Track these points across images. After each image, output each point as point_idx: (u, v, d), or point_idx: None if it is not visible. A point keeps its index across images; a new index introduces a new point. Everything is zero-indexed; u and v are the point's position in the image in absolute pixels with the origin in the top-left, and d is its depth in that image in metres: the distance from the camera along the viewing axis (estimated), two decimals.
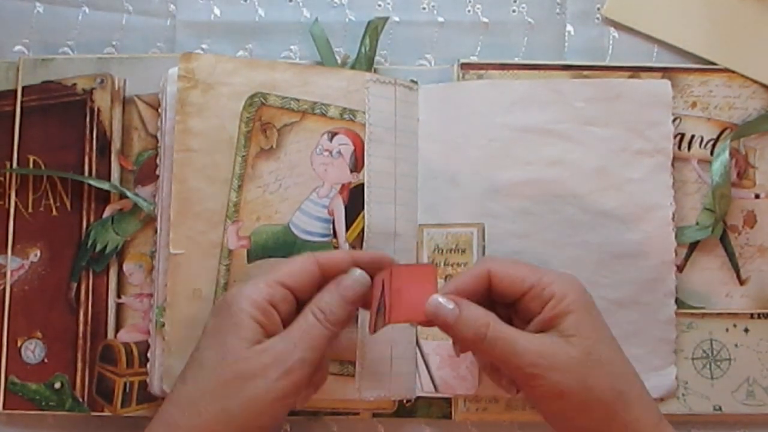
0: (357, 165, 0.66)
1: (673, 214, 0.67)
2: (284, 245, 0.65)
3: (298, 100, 0.66)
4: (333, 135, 0.66)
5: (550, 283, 0.57)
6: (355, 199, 0.66)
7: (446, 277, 0.67)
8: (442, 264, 0.67)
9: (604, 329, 0.57)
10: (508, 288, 0.58)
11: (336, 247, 0.66)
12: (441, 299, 0.56)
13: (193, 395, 0.54)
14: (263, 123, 0.65)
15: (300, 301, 0.57)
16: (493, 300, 0.59)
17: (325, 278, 0.58)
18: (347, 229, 0.66)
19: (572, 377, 0.54)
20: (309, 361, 0.55)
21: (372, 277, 0.59)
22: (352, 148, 0.66)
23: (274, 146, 0.66)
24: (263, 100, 0.65)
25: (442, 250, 0.68)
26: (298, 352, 0.54)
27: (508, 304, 0.59)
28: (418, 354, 0.67)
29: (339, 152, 0.66)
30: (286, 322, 0.56)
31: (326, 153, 0.66)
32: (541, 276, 0.57)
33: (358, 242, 0.65)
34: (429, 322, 0.57)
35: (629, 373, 0.57)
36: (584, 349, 0.55)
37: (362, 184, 0.66)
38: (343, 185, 0.66)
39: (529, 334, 0.56)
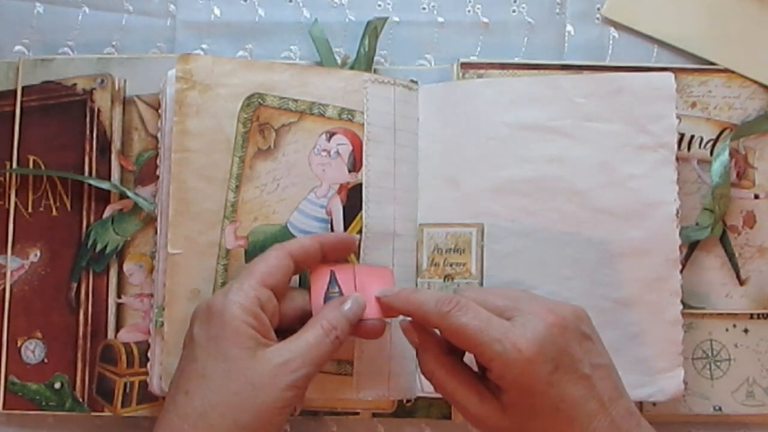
0: (355, 165, 0.66)
1: (677, 210, 0.66)
2: None
3: (296, 100, 0.66)
4: (331, 135, 0.66)
5: (491, 358, 0.55)
6: (353, 199, 0.66)
7: (446, 278, 0.67)
8: (441, 264, 0.67)
9: (547, 400, 0.55)
10: (456, 336, 0.57)
11: None
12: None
13: (202, 408, 0.54)
14: (261, 123, 0.65)
15: (278, 298, 0.58)
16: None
17: (297, 269, 0.59)
18: (345, 229, 0.66)
19: None
20: (313, 374, 0.55)
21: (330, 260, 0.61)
22: (350, 148, 0.66)
23: (272, 146, 0.66)
24: (261, 101, 0.65)
25: (442, 250, 0.67)
26: (306, 365, 0.55)
27: None
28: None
29: (337, 152, 0.66)
30: (272, 323, 0.57)
31: (324, 153, 0.66)
32: (489, 339, 0.55)
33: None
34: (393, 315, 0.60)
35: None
36: (516, 423, 0.55)
37: (360, 184, 0.66)
38: (341, 185, 0.66)
39: (473, 397, 0.57)
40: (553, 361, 0.54)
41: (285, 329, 0.58)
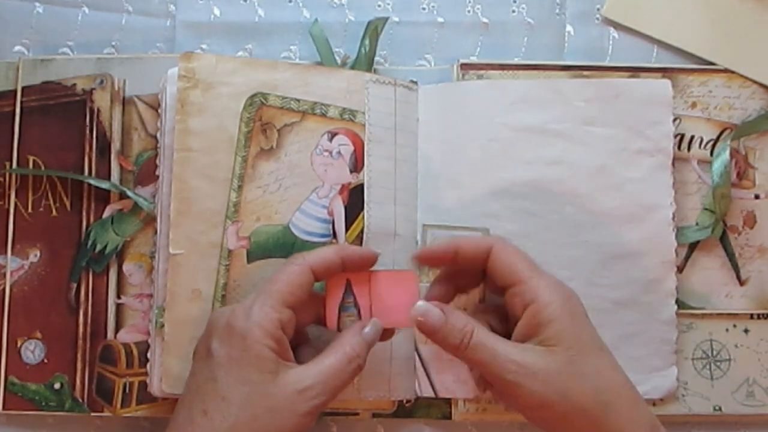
0: (357, 165, 0.66)
1: (674, 214, 0.67)
2: (284, 245, 0.65)
3: (298, 100, 0.66)
4: (333, 135, 0.66)
5: (536, 287, 0.57)
6: (354, 200, 0.66)
7: None
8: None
9: (591, 339, 0.57)
10: (499, 272, 0.58)
11: None
12: (428, 305, 0.57)
13: (221, 430, 0.54)
14: (263, 123, 0.65)
15: (295, 311, 0.57)
16: (486, 280, 0.61)
17: (316, 281, 0.59)
18: (347, 229, 0.66)
19: (552, 388, 0.55)
20: (330, 401, 0.56)
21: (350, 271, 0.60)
22: (352, 148, 0.66)
23: (274, 146, 0.66)
24: (263, 100, 0.65)
25: None
26: (326, 393, 0.55)
27: (498, 300, 0.60)
28: (417, 359, 0.67)
29: (339, 152, 0.66)
30: (289, 338, 0.56)
31: (326, 153, 0.66)
32: (531, 276, 0.57)
33: (357, 243, 0.65)
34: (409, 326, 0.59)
35: (617, 383, 0.56)
36: (566, 360, 0.55)
37: (362, 185, 0.66)
38: (342, 185, 0.66)
39: (511, 343, 0.56)
40: (584, 308, 0.57)
41: (297, 331, 0.58)
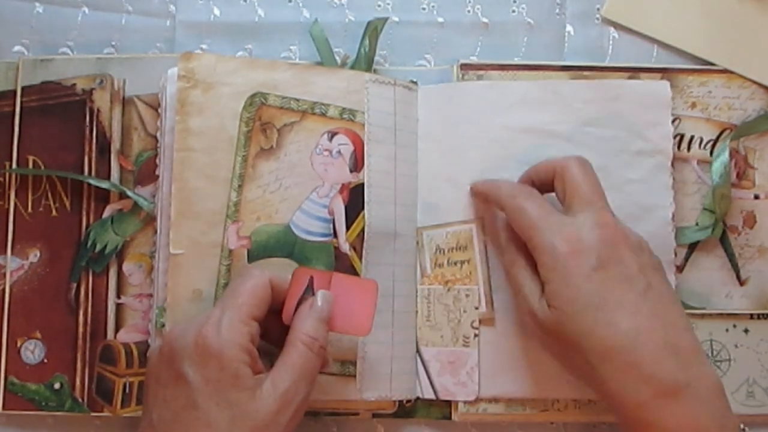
0: (357, 165, 0.66)
1: (673, 215, 0.67)
2: (284, 245, 0.65)
3: (298, 100, 0.66)
4: (333, 135, 0.66)
5: (538, 245, 0.58)
6: (355, 199, 0.66)
7: (446, 283, 0.67)
8: (445, 263, 0.68)
9: (586, 298, 0.56)
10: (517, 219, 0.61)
11: (336, 247, 0.66)
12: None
13: None
14: (263, 123, 0.65)
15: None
16: None
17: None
18: (347, 228, 0.66)
19: (556, 345, 0.59)
20: (311, 390, 0.56)
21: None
22: (352, 148, 0.66)
23: (274, 146, 0.66)
24: (263, 100, 0.65)
25: (444, 250, 0.68)
26: (302, 387, 0.56)
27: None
28: (418, 360, 0.67)
29: (339, 152, 0.66)
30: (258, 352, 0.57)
31: (326, 153, 0.66)
32: (542, 230, 0.59)
33: (358, 242, 0.65)
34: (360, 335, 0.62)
35: (607, 346, 0.55)
36: (557, 321, 0.57)
37: (362, 184, 0.66)
38: (342, 185, 0.66)
39: (534, 284, 0.60)
40: (598, 258, 0.56)
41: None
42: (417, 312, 0.67)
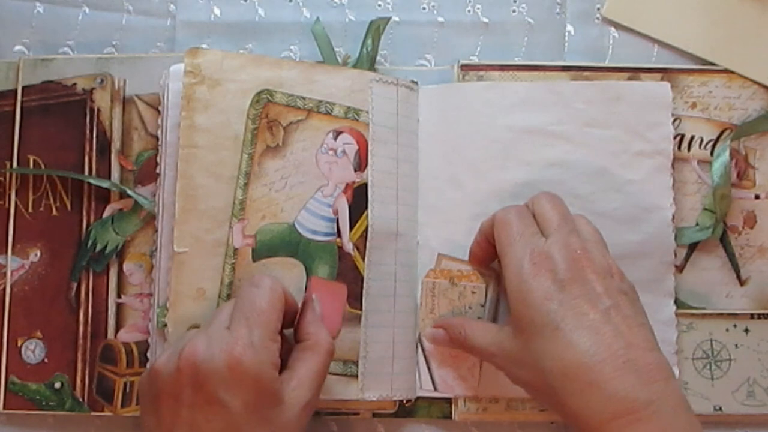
0: (360, 164, 0.66)
1: (673, 215, 0.68)
2: (289, 244, 0.65)
3: (304, 98, 0.66)
4: (338, 134, 0.66)
5: (505, 266, 0.59)
6: (358, 199, 0.66)
7: (452, 279, 0.67)
8: (444, 264, 0.68)
9: (545, 320, 0.55)
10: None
11: (340, 247, 0.66)
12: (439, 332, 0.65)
13: None
14: (270, 120, 0.65)
15: None
16: None
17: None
18: (351, 228, 0.66)
19: (524, 369, 0.58)
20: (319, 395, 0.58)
21: None
22: (356, 147, 0.66)
23: (281, 144, 0.66)
24: (270, 98, 0.65)
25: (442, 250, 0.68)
26: (318, 392, 0.58)
27: None
28: (420, 352, 0.67)
29: (343, 151, 0.66)
30: None
31: (331, 152, 0.66)
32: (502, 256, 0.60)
33: (361, 242, 0.65)
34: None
35: (567, 366, 0.54)
36: (521, 345, 0.57)
37: (365, 184, 0.66)
38: (347, 184, 0.66)
39: (497, 328, 0.61)
40: (560, 279, 0.56)
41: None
42: (421, 304, 0.67)
